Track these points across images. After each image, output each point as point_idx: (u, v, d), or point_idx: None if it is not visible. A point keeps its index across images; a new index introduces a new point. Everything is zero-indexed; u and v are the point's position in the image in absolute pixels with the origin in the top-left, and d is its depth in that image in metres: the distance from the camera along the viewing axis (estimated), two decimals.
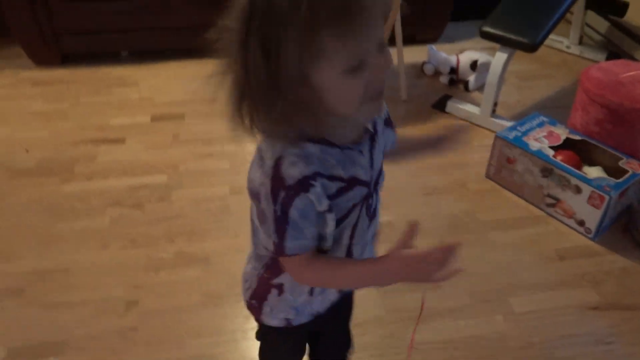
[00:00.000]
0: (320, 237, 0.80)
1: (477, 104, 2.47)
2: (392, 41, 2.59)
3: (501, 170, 2.06)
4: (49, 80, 2.69)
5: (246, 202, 0.92)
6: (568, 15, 2.83)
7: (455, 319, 1.61)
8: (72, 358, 1.47)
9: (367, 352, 1.50)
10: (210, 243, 1.82)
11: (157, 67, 2.84)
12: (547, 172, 1.90)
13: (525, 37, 2.16)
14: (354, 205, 0.80)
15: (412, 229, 0.75)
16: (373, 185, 0.83)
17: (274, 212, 0.74)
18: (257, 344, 1.23)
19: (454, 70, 2.72)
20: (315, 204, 0.74)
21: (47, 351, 1.48)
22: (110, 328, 1.54)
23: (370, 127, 0.81)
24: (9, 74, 2.72)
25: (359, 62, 0.66)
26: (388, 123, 0.90)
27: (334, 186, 0.75)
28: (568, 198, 1.87)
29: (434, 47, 2.85)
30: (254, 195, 0.78)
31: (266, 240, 0.79)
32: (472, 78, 2.68)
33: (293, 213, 0.73)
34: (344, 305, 1.12)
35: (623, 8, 2.76)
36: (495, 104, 2.36)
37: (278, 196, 0.72)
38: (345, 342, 1.24)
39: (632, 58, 2.80)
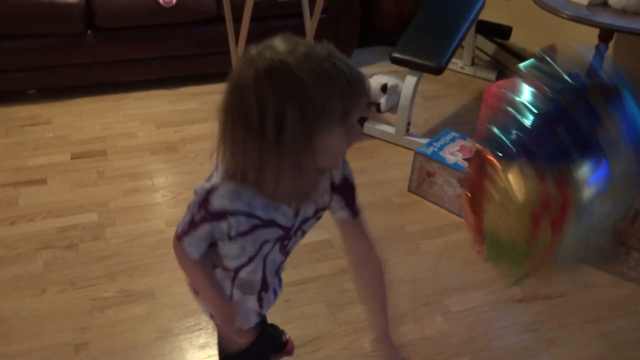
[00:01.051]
0: (222, 257, 0.97)
1: (391, 124, 2.65)
2: None
3: (422, 183, 2.23)
4: None
5: None
6: None
7: (399, 324, 1.71)
8: None
9: None
10: (153, 277, 1.81)
11: (68, 104, 2.77)
12: (464, 182, 2.09)
13: (431, 61, 2.37)
14: (267, 241, 0.93)
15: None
16: (294, 230, 0.96)
17: (193, 216, 0.90)
18: None
19: None
20: (223, 232, 0.89)
21: None
22: None
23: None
24: None
25: (351, 127, 0.81)
26: (349, 204, 1.00)
27: (249, 223, 0.88)
28: None
29: None
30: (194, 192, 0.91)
31: (181, 221, 0.94)
32: (383, 100, 2.86)
33: (201, 229, 0.90)
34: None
35: (508, 32, 3.09)
36: (409, 124, 2.55)
37: (200, 211, 0.88)
38: None
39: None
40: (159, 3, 2.64)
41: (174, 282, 1.77)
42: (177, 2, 2.68)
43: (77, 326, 1.63)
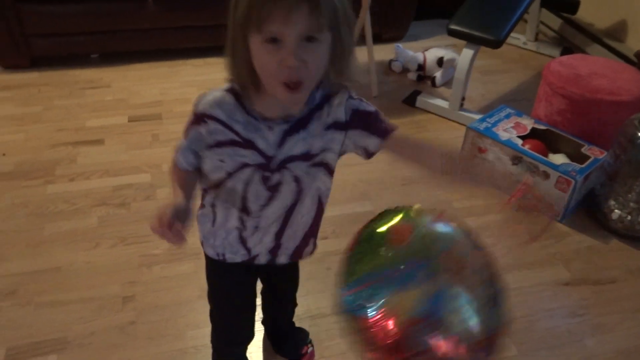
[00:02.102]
0: (204, 174, 1.01)
1: (445, 99, 2.59)
2: (361, 40, 2.68)
3: (472, 159, 2.18)
4: (18, 84, 2.66)
5: None
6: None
7: None
8: (73, 354, 1.49)
9: None
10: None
11: (128, 69, 2.85)
12: (516, 160, 2.02)
13: (490, 34, 2.29)
14: (246, 165, 0.94)
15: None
16: (277, 164, 0.95)
17: (186, 126, 0.97)
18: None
19: (421, 67, 2.83)
20: (205, 137, 0.93)
21: (47, 348, 1.50)
22: (110, 324, 1.57)
23: (293, 116, 0.92)
24: None
25: (274, 39, 0.79)
26: (373, 130, 0.96)
27: (228, 135, 0.92)
28: (537, 184, 2.00)
29: (400, 45, 2.96)
30: None
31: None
32: (438, 74, 2.80)
33: (189, 135, 0.96)
34: (282, 274, 1.30)
35: (575, 6, 2.94)
36: (463, 98, 2.49)
37: (190, 117, 0.95)
38: (288, 305, 1.47)
39: (584, 53, 2.99)
40: None
41: None
42: None
43: (126, 280, 1.70)
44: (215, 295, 1.30)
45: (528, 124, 2.16)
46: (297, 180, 0.98)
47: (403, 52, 2.89)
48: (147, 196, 2.02)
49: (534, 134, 2.13)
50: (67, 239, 1.83)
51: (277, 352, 1.54)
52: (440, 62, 2.79)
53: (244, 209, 1.01)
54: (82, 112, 2.49)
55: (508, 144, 2.04)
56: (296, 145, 0.94)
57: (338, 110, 0.94)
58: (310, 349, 1.53)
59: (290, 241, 1.09)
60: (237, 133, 0.92)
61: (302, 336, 1.54)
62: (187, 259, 1.78)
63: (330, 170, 1.01)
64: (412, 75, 2.86)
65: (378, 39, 3.02)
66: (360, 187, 2.13)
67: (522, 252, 1.87)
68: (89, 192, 2.03)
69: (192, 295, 1.67)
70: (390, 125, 0.98)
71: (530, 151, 2.01)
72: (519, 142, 2.06)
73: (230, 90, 0.92)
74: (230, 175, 0.96)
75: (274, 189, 0.98)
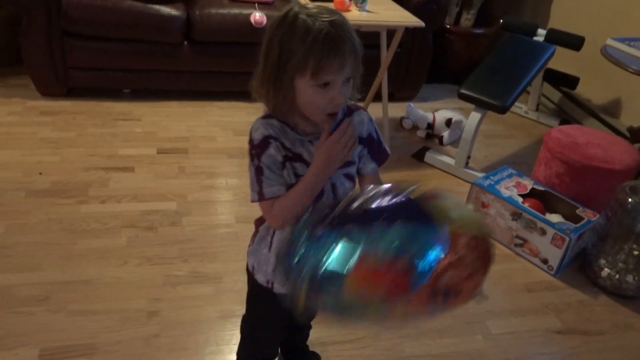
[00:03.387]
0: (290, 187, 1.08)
1: (451, 156, 2.78)
2: (377, 97, 2.90)
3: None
4: (55, 111, 2.85)
5: (252, 230, 1.22)
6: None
7: (441, 337, 1.83)
8: (102, 359, 1.60)
9: None
10: (220, 264, 2.00)
11: (158, 105, 3.05)
12: (516, 216, 2.19)
13: (497, 101, 2.51)
14: (298, 176, 1.07)
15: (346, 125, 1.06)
16: None
17: (251, 166, 1.07)
18: None
19: (430, 126, 3.04)
20: (276, 155, 1.05)
21: (77, 352, 1.61)
22: (135, 335, 1.69)
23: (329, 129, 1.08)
24: (17, 102, 2.87)
25: (325, 84, 0.98)
26: (375, 156, 1.17)
27: (284, 151, 1.06)
28: (534, 239, 2.16)
29: (411, 104, 3.19)
30: None
31: (252, 195, 1.09)
32: (446, 134, 3.00)
33: (263, 166, 1.05)
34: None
35: (575, 82, 3.19)
36: (469, 157, 2.68)
37: (252, 153, 1.07)
38: (305, 327, 1.60)
39: (581, 125, 3.21)
40: (251, 23, 2.90)
41: (238, 271, 1.95)
42: (267, 24, 2.93)
43: (151, 296, 1.83)
44: (255, 317, 1.42)
45: (528, 184, 2.34)
46: (334, 189, 1.12)
47: (414, 111, 3.11)
48: (173, 222, 2.17)
49: (533, 194, 2.31)
50: (97, 255, 1.97)
51: None
52: (448, 122, 3.00)
53: None
54: (113, 141, 2.66)
55: (509, 200, 2.22)
56: None
57: (361, 127, 1.14)
58: None
59: None
60: (288, 149, 1.07)
61: (314, 359, 1.66)
62: (208, 282, 1.91)
63: (354, 182, 1.17)
64: (421, 133, 3.07)
65: (392, 97, 3.24)
66: None
67: (518, 299, 2.01)
68: (119, 214, 2.18)
69: (212, 316, 1.79)
70: (386, 154, 1.19)
71: (530, 209, 2.18)
72: (520, 199, 2.23)
73: (268, 117, 1.07)
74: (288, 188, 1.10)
75: (316, 200, 1.10)
